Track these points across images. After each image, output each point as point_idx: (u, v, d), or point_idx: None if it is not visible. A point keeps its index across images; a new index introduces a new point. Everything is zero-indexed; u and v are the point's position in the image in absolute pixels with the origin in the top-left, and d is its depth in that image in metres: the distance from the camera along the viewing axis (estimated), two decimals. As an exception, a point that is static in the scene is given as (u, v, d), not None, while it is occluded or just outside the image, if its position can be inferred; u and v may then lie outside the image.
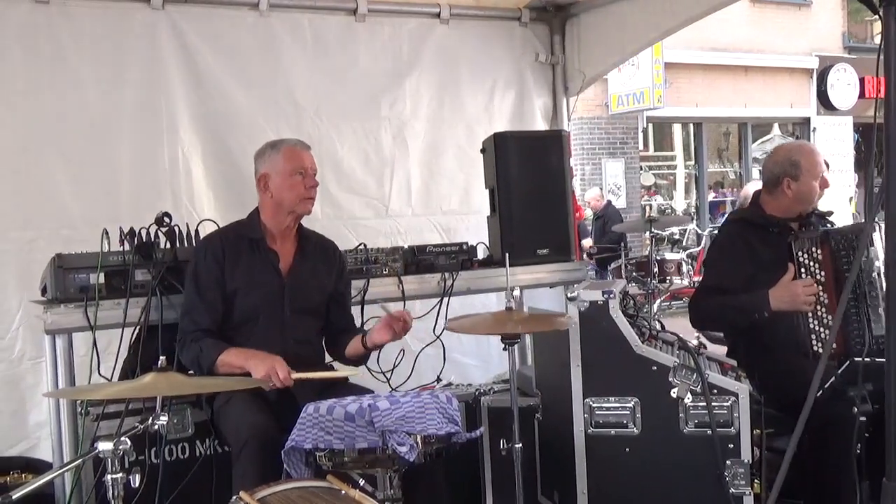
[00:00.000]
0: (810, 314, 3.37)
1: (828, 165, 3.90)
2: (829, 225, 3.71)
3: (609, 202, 12.77)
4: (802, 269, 3.41)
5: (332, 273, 3.32)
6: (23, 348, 3.83)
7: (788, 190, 3.63)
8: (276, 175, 3.18)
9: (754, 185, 7.50)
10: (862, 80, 16.61)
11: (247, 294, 3.11)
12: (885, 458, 1.53)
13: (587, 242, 11.43)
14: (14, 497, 1.73)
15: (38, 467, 3.43)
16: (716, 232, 14.23)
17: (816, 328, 3.38)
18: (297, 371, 2.88)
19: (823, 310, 3.38)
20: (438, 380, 3.90)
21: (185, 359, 3.02)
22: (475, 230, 4.55)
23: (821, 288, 3.37)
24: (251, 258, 3.15)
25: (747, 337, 3.58)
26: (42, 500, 3.06)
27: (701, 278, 3.97)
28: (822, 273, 3.39)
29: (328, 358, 3.34)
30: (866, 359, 3.07)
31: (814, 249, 3.42)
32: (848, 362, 3.10)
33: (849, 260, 3.37)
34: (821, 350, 3.35)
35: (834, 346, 3.32)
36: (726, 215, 4.72)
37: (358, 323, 3.48)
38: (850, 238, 3.42)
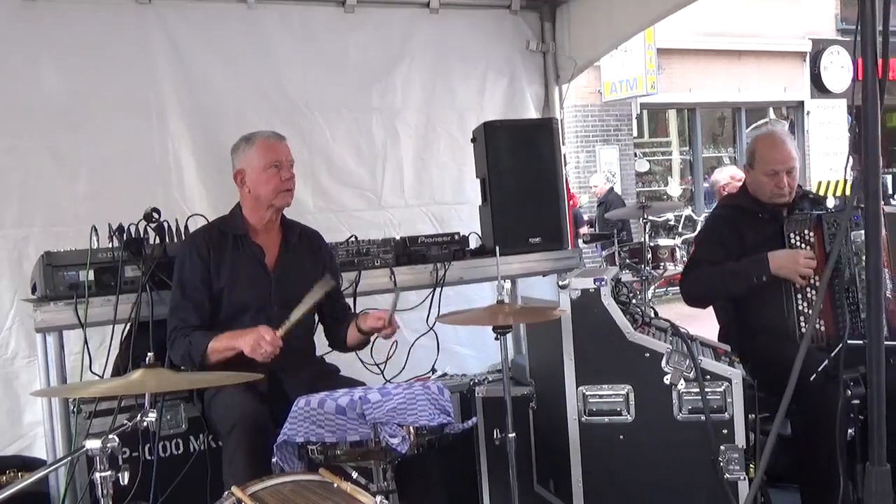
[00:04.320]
0: (799, 296, 3.38)
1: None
2: (824, 210, 3.70)
3: (612, 188, 12.74)
4: None
5: (319, 264, 3.30)
6: (16, 347, 3.83)
7: (749, 176, 3.67)
8: (251, 170, 3.16)
9: (723, 170, 7.54)
10: (856, 63, 16.45)
11: (234, 290, 3.10)
12: (868, 443, 1.53)
13: (584, 230, 11.42)
14: (1, 497, 1.72)
15: (33, 466, 3.43)
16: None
17: (805, 310, 3.39)
18: (279, 328, 2.90)
19: (813, 292, 3.39)
20: (433, 370, 3.90)
21: (175, 356, 3.01)
22: (469, 220, 4.54)
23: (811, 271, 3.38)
24: (236, 254, 3.13)
25: (737, 322, 3.58)
26: (36, 499, 3.07)
27: (690, 256, 3.98)
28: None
29: (319, 350, 3.33)
30: (858, 342, 3.07)
31: (806, 232, 3.43)
32: (840, 346, 3.10)
33: (842, 244, 3.37)
34: None
35: (823, 329, 3.33)
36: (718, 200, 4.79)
37: None
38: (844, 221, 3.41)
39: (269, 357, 2.85)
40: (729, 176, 6.73)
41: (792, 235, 3.44)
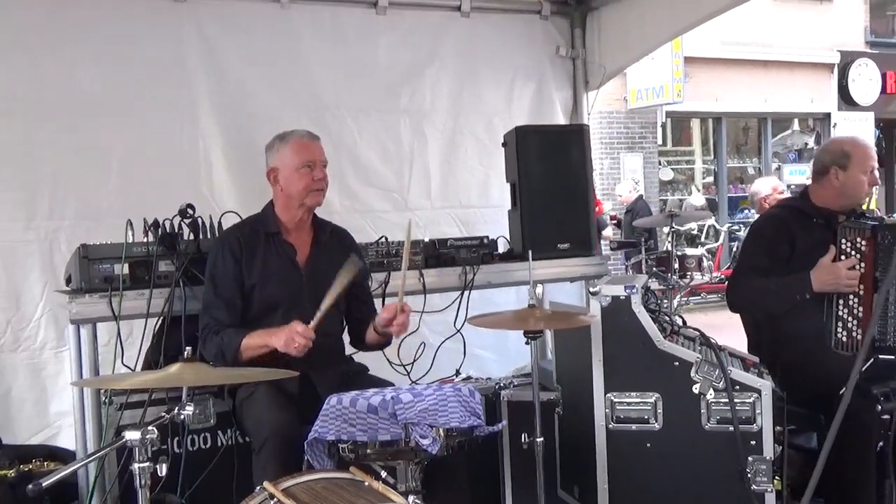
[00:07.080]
0: (841, 301, 3.36)
1: (881, 164, 3.93)
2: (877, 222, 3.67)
3: (640, 196, 12.64)
4: (843, 257, 3.41)
5: None
6: (45, 337, 3.87)
7: (836, 180, 3.61)
8: (284, 168, 3.17)
9: (764, 181, 7.45)
10: (884, 76, 16.43)
11: (265, 288, 3.11)
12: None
13: (607, 232, 11.34)
14: (45, 484, 1.75)
15: (60, 456, 3.46)
16: (734, 227, 14.09)
17: (845, 317, 3.36)
18: (310, 324, 2.89)
19: (856, 300, 3.37)
20: (458, 373, 3.90)
21: (208, 353, 3.02)
22: (493, 223, 4.55)
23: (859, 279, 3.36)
24: (268, 252, 3.15)
25: (770, 329, 3.56)
26: (65, 489, 3.10)
27: (738, 259, 3.97)
28: (862, 264, 3.37)
29: (349, 350, 3.34)
30: (890, 356, 3.06)
31: (859, 240, 3.41)
32: (872, 359, 3.07)
33: (892, 257, 3.34)
34: (844, 338, 3.36)
35: (859, 338, 3.31)
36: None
37: None
38: None
39: (304, 350, 2.86)
40: (771, 187, 6.68)
41: (844, 241, 3.41)
